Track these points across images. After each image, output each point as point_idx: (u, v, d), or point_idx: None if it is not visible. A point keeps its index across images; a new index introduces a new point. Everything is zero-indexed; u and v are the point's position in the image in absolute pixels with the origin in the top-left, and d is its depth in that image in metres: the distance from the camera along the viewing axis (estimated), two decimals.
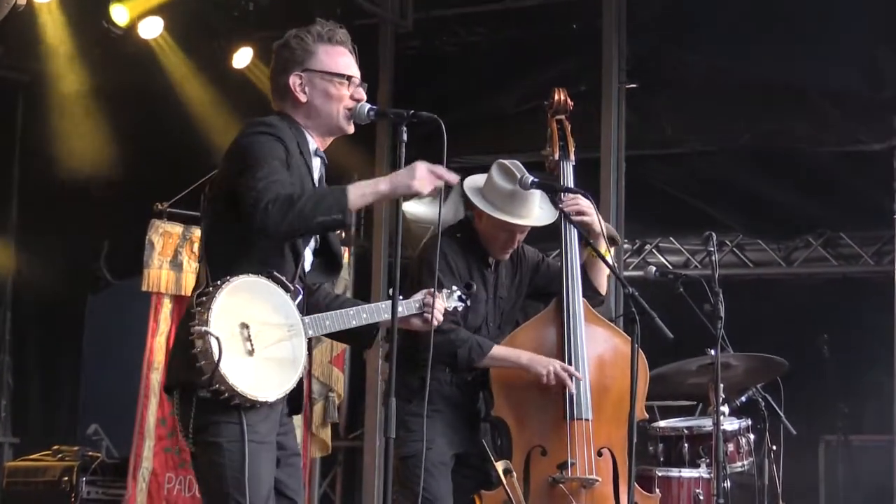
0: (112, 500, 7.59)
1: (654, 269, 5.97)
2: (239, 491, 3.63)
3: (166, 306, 7.52)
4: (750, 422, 6.00)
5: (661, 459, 5.91)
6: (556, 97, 5.30)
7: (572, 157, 5.22)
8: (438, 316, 4.07)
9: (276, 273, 3.75)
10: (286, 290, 3.76)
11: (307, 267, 3.94)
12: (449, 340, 4.83)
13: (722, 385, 5.50)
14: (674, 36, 8.36)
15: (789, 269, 10.02)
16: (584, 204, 4.99)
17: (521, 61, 8.83)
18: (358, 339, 4.04)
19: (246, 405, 3.64)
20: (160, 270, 7.49)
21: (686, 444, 5.86)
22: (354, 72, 4.00)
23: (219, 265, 3.75)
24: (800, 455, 6.88)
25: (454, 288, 4.33)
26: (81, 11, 8.11)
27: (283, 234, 3.72)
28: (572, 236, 5.05)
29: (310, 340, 3.84)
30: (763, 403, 6.07)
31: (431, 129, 3.87)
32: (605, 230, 4.98)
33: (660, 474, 5.74)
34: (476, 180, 5.02)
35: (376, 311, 3.94)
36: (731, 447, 5.83)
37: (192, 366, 3.59)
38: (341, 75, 3.95)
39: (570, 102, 5.31)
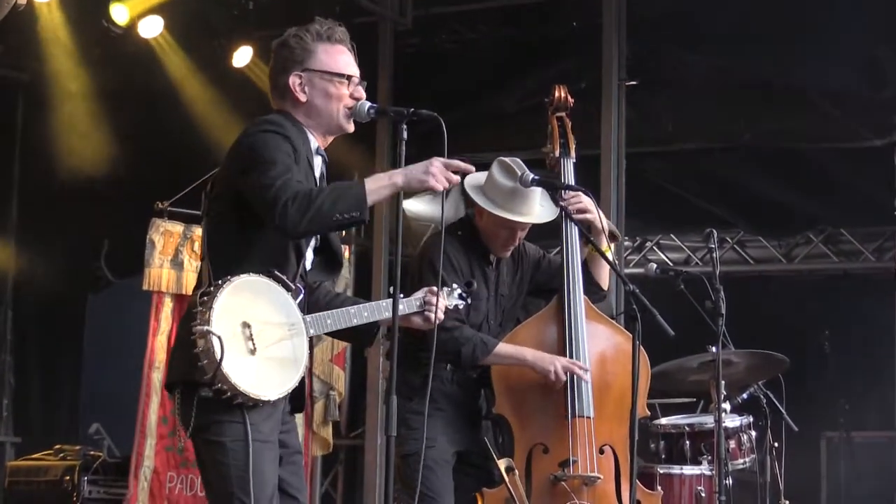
0: (114, 499, 7.58)
1: (654, 266, 5.96)
2: (243, 490, 3.63)
3: (167, 305, 7.51)
4: (751, 419, 6.01)
5: (663, 457, 5.91)
6: (557, 94, 5.29)
7: (573, 154, 5.21)
8: (440, 314, 4.07)
9: (277, 272, 3.74)
10: (287, 289, 3.76)
11: (308, 265, 3.93)
12: (453, 338, 4.83)
13: (723, 382, 5.51)
14: (674, 35, 8.35)
15: (790, 266, 10.02)
16: (585, 201, 4.99)
17: (522, 59, 8.82)
18: (359, 337, 4.03)
19: (248, 404, 3.64)
20: (161, 269, 7.48)
21: (688, 442, 5.87)
22: (354, 71, 3.98)
23: (220, 264, 3.75)
24: (801, 452, 6.89)
25: (455, 286, 4.32)
26: (81, 11, 8.10)
27: (302, 232, 3.70)
28: (573, 233, 5.04)
29: (311, 339, 3.83)
30: (764, 400, 6.07)
31: (431, 127, 3.87)
32: (605, 227, 4.98)
33: (661, 471, 5.74)
34: (477, 178, 5.00)
35: (377, 310, 3.94)
36: (732, 444, 5.84)
37: (193, 365, 3.59)
38: (341, 75, 3.94)
39: (570, 99, 5.29)
